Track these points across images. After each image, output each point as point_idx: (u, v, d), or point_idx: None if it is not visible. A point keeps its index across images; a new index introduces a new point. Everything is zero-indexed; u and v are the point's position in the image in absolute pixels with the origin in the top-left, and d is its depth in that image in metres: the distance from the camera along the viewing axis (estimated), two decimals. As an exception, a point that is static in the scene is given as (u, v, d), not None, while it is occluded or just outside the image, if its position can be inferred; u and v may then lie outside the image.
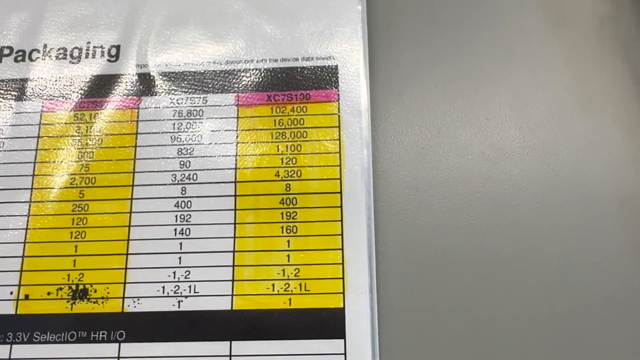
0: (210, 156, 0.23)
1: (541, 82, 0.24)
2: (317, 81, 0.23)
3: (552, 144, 0.23)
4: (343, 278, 0.21)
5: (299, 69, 0.24)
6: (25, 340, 0.21)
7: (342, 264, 0.21)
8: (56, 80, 0.24)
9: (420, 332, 0.21)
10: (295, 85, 0.23)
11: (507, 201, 0.22)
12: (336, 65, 0.24)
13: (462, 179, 0.23)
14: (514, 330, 0.21)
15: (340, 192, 0.22)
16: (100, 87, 0.24)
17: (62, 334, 0.21)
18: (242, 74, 0.24)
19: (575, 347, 0.21)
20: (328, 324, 0.21)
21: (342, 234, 0.22)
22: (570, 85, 0.24)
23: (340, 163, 0.22)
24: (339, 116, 0.23)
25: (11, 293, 0.22)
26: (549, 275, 0.22)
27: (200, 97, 0.23)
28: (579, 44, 0.24)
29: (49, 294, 0.22)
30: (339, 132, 0.23)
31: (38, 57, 0.24)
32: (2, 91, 0.24)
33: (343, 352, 0.20)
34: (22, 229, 0.22)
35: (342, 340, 0.20)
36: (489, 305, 0.21)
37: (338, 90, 0.23)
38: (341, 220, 0.22)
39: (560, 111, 0.23)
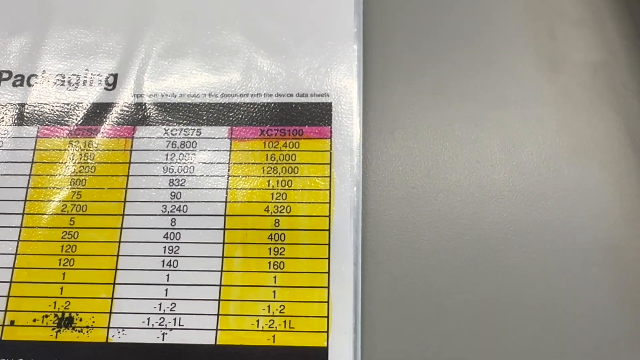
0: (202, 188, 0.23)
1: (532, 126, 0.24)
2: (311, 118, 0.24)
3: (541, 188, 0.23)
4: (328, 317, 0.21)
5: (293, 105, 0.24)
6: (9, 367, 0.21)
7: (328, 302, 0.21)
8: (53, 106, 0.24)
9: (402, 375, 0.21)
10: (289, 121, 0.24)
11: (494, 245, 0.23)
12: (330, 103, 0.24)
13: (451, 221, 0.23)
14: (497, 374, 0.21)
15: (329, 230, 0.22)
16: (96, 114, 0.24)
17: (46, 362, 0.21)
18: (236, 108, 0.24)
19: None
20: (310, 363, 0.21)
21: (328, 272, 0.22)
22: (560, 130, 0.24)
23: (329, 200, 0.23)
24: (330, 153, 0.23)
25: (-3, 318, 0.22)
26: (534, 321, 0.22)
27: (194, 129, 0.24)
28: (572, 90, 0.25)
29: (34, 320, 0.22)
30: (330, 169, 0.23)
31: (36, 83, 0.25)
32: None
33: (324, 393, 0.20)
34: (11, 254, 0.22)
35: (324, 381, 0.21)
36: (475, 348, 0.21)
37: (331, 127, 0.23)
38: (328, 258, 0.22)
39: (550, 156, 0.24)
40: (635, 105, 0.24)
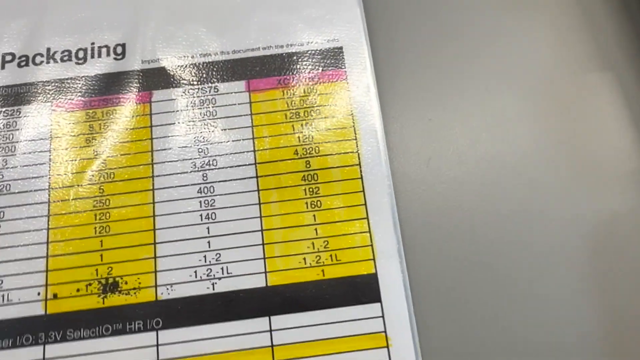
0: (228, 141, 0.23)
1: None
2: (325, 63, 0.24)
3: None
4: (372, 245, 0.22)
5: (306, 53, 0.24)
6: (58, 339, 0.21)
7: (369, 231, 0.22)
8: (63, 82, 0.24)
9: (449, 287, 0.22)
10: (304, 68, 0.24)
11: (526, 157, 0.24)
12: (341, 47, 0.24)
13: (471, 146, 0.24)
14: (534, 281, 0.22)
15: (359, 164, 0.23)
16: (110, 84, 0.24)
17: (96, 329, 0.21)
18: (250, 62, 0.24)
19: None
20: (363, 289, 0.21)
21: (365, 204, 0.22)
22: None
23: (355, 137, 0.23)
24: (349, 92, 0.24)
25: (39, 294, 0.21)
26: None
27: (211, 86, 0.24)
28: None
29: (78, 290, 0.21)
30: (351, 108, 0.24)
31: (42, 61, 0.24)
32: (6, 97, 0.24)
33: (381, 314, 0.21)
34: (43, 229, 0.22)
35: (379, 303, 0.21)
36: (507, 255, 0.22)
37: (345, 69, 0.24)
38: (363, 191, 0.22)
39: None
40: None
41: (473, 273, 0.22)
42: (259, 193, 0.22)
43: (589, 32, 0.26)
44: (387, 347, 0.20)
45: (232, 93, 0.24)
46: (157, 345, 0.21)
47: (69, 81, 0.24)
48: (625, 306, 0.22)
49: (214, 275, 0.21)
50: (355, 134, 0.23)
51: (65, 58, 0.24)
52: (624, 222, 0.23)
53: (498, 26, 0.26)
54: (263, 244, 0.22)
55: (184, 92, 0.24)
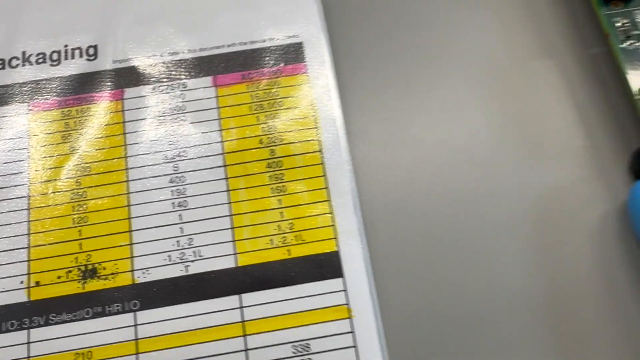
0: (196, 134, 0.25)
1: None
2: (286, 57, 0.26)
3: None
4: (334, 225, 0.23)
5: (268, 49, 0.26)
6: (42, 323, 0.22)
7: (331, 213, 0.24)
8: (39, 83, 0.25)
9: (408, 261, 0.24)
10: (266, 63, 0.26)
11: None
12: (301, 42, 0.26)
13: (425, 131, 0.26)
14: (487, 252, 0.24)
15: (320, 151, 0.24)
16: (83, 84, 0.25)
17: (78, 312, 0.22)
18: (216, 59, 0.26)
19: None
20: (326, 266, 0.23)
21: (327, 187, 0.24)
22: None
23: (316, 125, 0.25)
24: (309, 84, 0.25)
25: (21, 282, 0.22)
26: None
27: (179, 83, 0.25)
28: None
29: (59, 277, 0.23)
30: (311, 98, 0.25)
31: (18, 64, 0.26)
32: (-15, 99, 0.25)
33: (343, 289, 0.22)
34: (24, 222, 0.23)
35: (341, 278, 0.23)
36: (461, 229, 0.24)
37: (305, 63, 0.26)
38: (324, 175, 0.24)
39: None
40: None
41: (429, 247, 0.24)
42: (227, 181, 0.24)
43: (532, 21, 0.28)
44: (350, 318, 0.22)
45: (199, 88, 0.25)
46: (135, 325, 0.22)
47: (44, 82, 0.25)
48: (566, 271, 0.23)
49: (186, 258, 0.23)
50: (316, 122, 0.25)
51: (40, 60, 0.26)
52: (566, 194, 0.25)
53: (451, 18, 0.28)
54: (232, 228, 0.23)
55: (153, 89, 0.25)
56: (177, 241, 0.23)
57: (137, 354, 0.22)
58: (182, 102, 0.25)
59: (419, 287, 0.23)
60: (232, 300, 0.22)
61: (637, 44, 0.25)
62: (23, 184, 0.24)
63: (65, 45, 0.26)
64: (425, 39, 0.28)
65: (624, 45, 0.25)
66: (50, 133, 0.25)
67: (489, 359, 0.22)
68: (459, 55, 0.27)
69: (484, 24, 0.28)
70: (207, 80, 0.26)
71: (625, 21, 0.25)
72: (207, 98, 0.25)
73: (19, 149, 0.24)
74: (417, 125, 0.26)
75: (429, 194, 0.25)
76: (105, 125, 0.25)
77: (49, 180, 0.24)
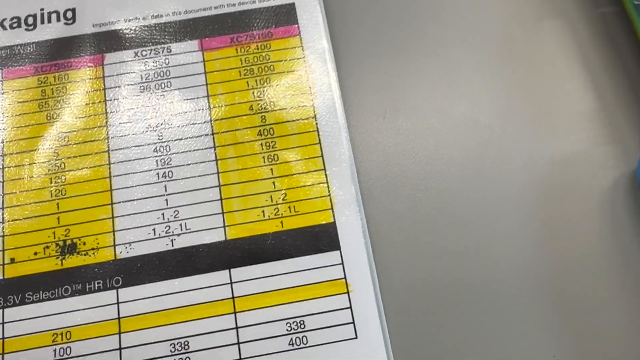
0: (182, 100, 0.23)
1: None
2: (277, 19, 0.24)
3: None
4: (330, 195, 0.22)
5: (258, 10, 0.24)
6: (17, 302, 0.20)
7: (327, 182, 0.22)
8: (13, 49, 0.24)
9: (408, 233, 0.22)
10: (256, 26, 0.24)
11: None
12: (293, 3, 0.24)
13: (426, 98, 0.24)
14: (491, 223, 0.22)
15: (315, 117, 0.23)
16: (61, 49, 0.24)
17: (56, 290, 0.21)
18: (202, 21, 0.24)
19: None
20: (322, 238, 0.21)
21: (322, 156, 0.22)
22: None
23: (310, 90, 0.23)
24: (302, 48, 0.24)
25: (-5, 259, 0.21)
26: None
27: (163, 47, 0.24)
28: None
29: (36, 254, 0.21)
30: (304, 62, 0.24)
31: (-9, 29, 0.24)
32: (-44, 67, 0.23)
33: (340, 262, 0.21)
34: (-3, 195, 0.22)
35: (338, 251, 0.21)
36: (463, 200, 0.23)
37: (298, 25, 0.24)
38: (319, 143, 0.23)
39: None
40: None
41: (430, 218, 0.22)
42: (215, 150, 0.22)
43: (539, -20, 0.26)
44: (348, 292, 0.21)
45: (185, 53, 0.24)
46: (118, 303, 0.21)
47: (18, 47, 0.24)
48: (574, 242, 0.22)
49: (172, 232, 0.21)
50: (310, 87, 0.23)
51: (15, 25, 0.24)
52: (576, 162, 0.23)
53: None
54: (221, 199, 0.22)
55: (136, 54, 0.24)
56: (162, 214, 0.22)
57: (119, 333, 0.20)
58: (167, 67, 0.24)
59: (418, 259, 0.22)
60: (221, 276, 0.21)
61: (652, -1, 0.23)
62: (-3, 156, 0.22)
63: (42, 9, 0.24)
64: (426, 2, 0.26)
65: (639, 1, 0.23)
66: (25, 101, 0.23)
67: (491, 332, 0.21)
68: (460, 17, 0.26)
69: (487, -16, 0.26)
70: (193, 44, 0.24)
71: (638, -24, 0.24)
72: (193, 63, 0.24)
73: (-8, 118, 0.23)
74: (416, 92, 0.24)
75: (429, 163, 0.23)
76: (85, 92, 0.23)
77: (24, 151, 0.22)
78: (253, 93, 0.23)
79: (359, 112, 0.24)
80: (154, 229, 0.21)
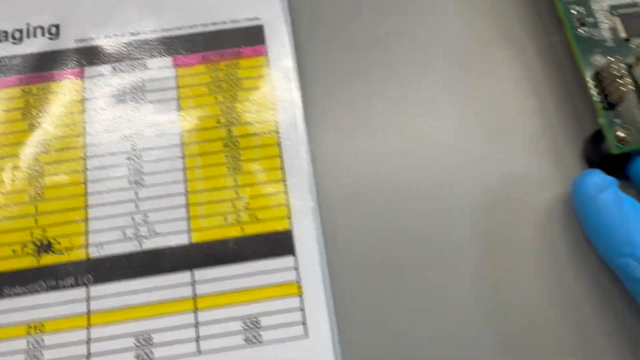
0: (155, 112, 0.25)
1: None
2: (246, 39, 0.26)
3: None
4: (288, 204, 0.24)
5: (228, 31, 0.26)
6: (-6, 296, 0.22)
7: (286, 192, 0.24)
8: (0, 61, 0.26)
9: (361, 242, 0.24)
10: (227, 45, 0.26)
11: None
12: (261, 25, 0.26)
13: (386, 116, 0.26)
14: (442, 236, 0.24)
15: (277, 131, 0.25)
16: (44, 62, 0.26)
17: (31, 286, 0.22)
18: (177, 39, 0.26)
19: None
20: (278, 244, 0.23)
21: (283, 167, 0.24)
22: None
23: (274, 106, 0.25)
24: (268, 66, 0.26)
25: (-24, 256, 0.23)
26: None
27: (139, 62, 0.26)
28: None
29: (14, 252, 0.23)
30: (270, 80, 0.25)
31: (-20, 42, 0.26)
32: (-54, 76, 0.25)
33: (294, 266, 0.23)
34: (-20, 197, 0.24)
35: (292, 256, 0.23)
36: (417, 212, 0.24)
37: (265, 45, 0.26)
38: (280, 156, 0.24)
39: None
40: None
41: (383, 229, 0.24)
42: (184, 159, 0.24)
43: (493, 8, 0.28)
44: (300, 295, 0.22)
45: (159, 68, 0.26)
46: (88, 299, 0.22)
47: (5, 60, 0.26)
48: (526, 252, 0.24)
49: (141, 234, 0.23)
50: (274, 104, 0.25)
51: (2, 38, 0.26)
52: (521, 180, 0.25)
53: (413, 4, 0.28)
54: (187, 205, 0.24)
55: (114, 69, 0.26)
56: (133, 218, 0.23)
57: (88, 326, 0.22)
58: (142, 81, 0.25)
59: (370, 265, 0.24)
60: (184, 276, 0.23)
61: (591, 30, 0.25)
62: (-19, 160, 0.24)
63: (28, 24, 0.26)
64: (388, 25, 0.28)
65: (578, 32, 0.25)
66: (9, 110, 0.25)
67: (435, 335, 0.23)
68: (420, 41, 0.28)
69: (446, 11, 0.28)
70: (168, 60, 0.26)
71: (579, 9, 0.26)
72: (167, 78, 0.25)
73: (-22, 125, 0.25)
74: (376, 110, 0.26)
75: (386, 179, 0.25)
76: (65, 103, 0.25)
77: (7, 157, 0.24)
78: (220, 107, 0.25)
79: (322, 128, 0.26)
80: (124, 232, 0.23)
